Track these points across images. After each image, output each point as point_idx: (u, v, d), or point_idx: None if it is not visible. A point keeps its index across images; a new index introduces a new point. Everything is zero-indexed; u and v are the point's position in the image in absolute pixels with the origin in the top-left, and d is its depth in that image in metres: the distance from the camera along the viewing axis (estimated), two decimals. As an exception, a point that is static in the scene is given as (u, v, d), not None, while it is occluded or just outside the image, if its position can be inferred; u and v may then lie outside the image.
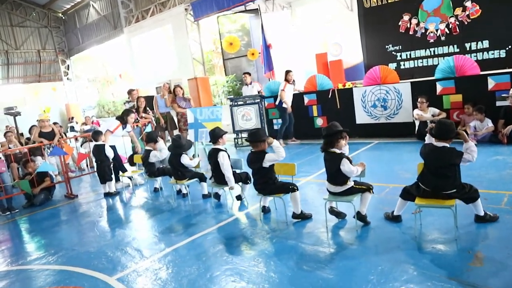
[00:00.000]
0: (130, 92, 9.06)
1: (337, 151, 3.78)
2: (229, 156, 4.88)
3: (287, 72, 8.78)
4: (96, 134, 6.79)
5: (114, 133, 6.89)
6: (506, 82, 6.53)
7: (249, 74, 9.93)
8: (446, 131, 3.34)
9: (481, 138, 6.50)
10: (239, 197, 5.17)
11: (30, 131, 9.57)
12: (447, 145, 3.34)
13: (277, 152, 4.13)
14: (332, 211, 4.04)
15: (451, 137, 3.35)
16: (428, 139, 3.59)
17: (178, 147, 5.49)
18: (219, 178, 4.89)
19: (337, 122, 3.87)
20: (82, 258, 4.04)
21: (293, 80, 8.87)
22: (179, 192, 5.94)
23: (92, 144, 8.89)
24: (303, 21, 13.10)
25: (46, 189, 6.86)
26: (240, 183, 5.02)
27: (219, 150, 4.84)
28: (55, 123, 9.78)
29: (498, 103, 6.59)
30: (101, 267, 3.73)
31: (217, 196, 5.29)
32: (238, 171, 5.11)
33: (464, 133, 3.46)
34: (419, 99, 7.13)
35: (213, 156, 4.88)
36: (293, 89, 8.91)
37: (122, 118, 7.04)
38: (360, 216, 3.80)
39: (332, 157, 3.77)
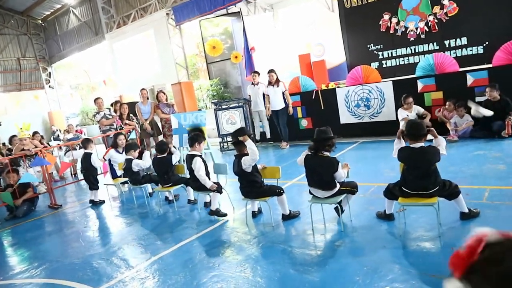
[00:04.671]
0: (95, 101, 8.86)
1: (330, 155, 3.78)
2: (205, 162, 4.84)
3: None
4: (85, 142, 6.75)
5: (115, 157, 6.75)
6: (484, 78, 6.66)
7: (258, 73, 9.04)
8: (418, 129, 3.40)
9: (462, 134, 6.61)
10: (190, 201, 5.47)
11: (10, 141, 9.39)
12: (423, 144, 3.38)
13: (250, 153, 4.13)
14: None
15: (424, 134, 3.40)
16: (399, 143, 3.61)
17: (164, 152, 5.49)
18: (195, 183, 4.86)
19: (329, 127, 3.87)
20: (67, 270, 3.96)
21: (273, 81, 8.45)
22: (167, 198, 5.90)
23: (76, 152, 8.82)
24: (285, 23, 13.16)
25: (28, 200, 6.72)
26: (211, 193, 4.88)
27: (194, 155, 4.81)
28: (35, 133, 9.62)
29: (478, 99, 6.71)
30: (86, 279, 3.67)
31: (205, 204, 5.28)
32: (220, 176, 5.10)
33: (433, 129, 3.52)
34: (406, 99, 7.06)
35: (188, 162, 4.85)
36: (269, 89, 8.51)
37: (114, 143, 6.95)
38: (339, 209, 3.89)
39: (324, 161, 3.74)
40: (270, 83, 8.46)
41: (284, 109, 8.47)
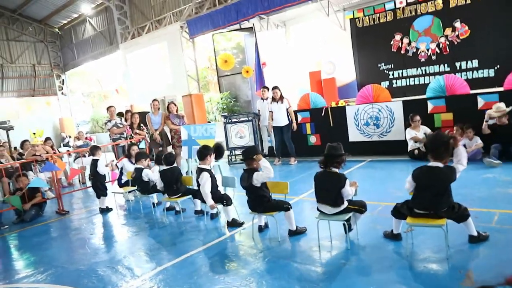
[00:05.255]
0: (108, 109, 9.01)
1: (338, 171, 3.80)
2: (213, 177, 4.86)
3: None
4: (94, 149, 6.85)
5: (127, 166, 6.89)
6: (495, 101, 6.64)
7: (268, 88, 9.15)
8: (439, 149, 3.36)
9: (472, 156, 6.56)
10: (197, 212, 5.49)
11: (22, 145, 9.52)
12: (441, 165, 3.36)
13: (264, 171, 4.15)
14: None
15: (447, 155, 3.36)
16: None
17: (171, 163, 5.58)
18: (200, 195, 4.89)
19: (340, 144, 3.88)
20: (72, 276, 3.98)
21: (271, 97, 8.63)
22: (168, 209, 5.95)
23: (85, 159, 8.94)
24: (297, 39, 13.31)
25: (37, 205, 6.78)
26: (221, 206, 4.90)
27: (202, 169, 4.84)
28: (47, 139, 9.75)
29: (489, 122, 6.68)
30: (91, 286, 3.68)
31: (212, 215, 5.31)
32: (228, 189, 5.11)
33: (457, 138, 3.48)
34: (413, 118, 7.16)
35: (197, 175, 4.90)
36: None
37: (128, 153, 7.07)
38: (346, 227, 3.88)
39: (333, 178, 3.75)
40: (274, 99, 8.51)
41: (289, 125, 8.50)
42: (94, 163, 6.71)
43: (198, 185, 4.88)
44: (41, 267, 4.36)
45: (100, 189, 6.65)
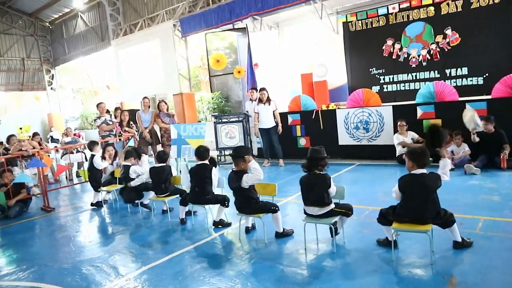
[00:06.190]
0: (98, 105, 8.95)
1: (322, 172, 3.82)
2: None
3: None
4: (91, 144, 6.86)
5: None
6: (483, 109, 6.73)
7: (256, 90, 9.09)
8: (424, 157, 3.42)
9: (459, 162, 6.65)
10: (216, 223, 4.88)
11: (8, 140, 9.35)
12: (425, 171, 3.40)
13: (254, 173, 4.15)
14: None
15: (428, 162, 3.43)
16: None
17: (164, 161, 5.59)
18: (199, 195, 4.84)
19: (322, 147, 3.91)
20: (55, 275, 3.92)
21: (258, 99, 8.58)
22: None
23: (73, 156, 8.86)
24: (290, 41, 13.33)
25: (21, 201, 6.68)
26: (219, 205, 4.87)
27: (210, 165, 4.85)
28: (35, 134, 9.60)
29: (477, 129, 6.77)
30: (74, 285, 3.63)
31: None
32: (216, 189, 5.10)
33: (443, 150, 3.54)
34: (399, 123, 7.29)
35: (199, 171, 4.85)
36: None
37: (102, 155, 7.03)
38: (332, 230, 3.89)
39: (318, 179, 3.78)
40: (261, 101, 8.46)
41: (275, 128, 8.50)
42: (90, 159, 6.73)
43: (203, 179, 4.82)
44: (24, 265, 4.29)
45: (92, 185, 6.67)
